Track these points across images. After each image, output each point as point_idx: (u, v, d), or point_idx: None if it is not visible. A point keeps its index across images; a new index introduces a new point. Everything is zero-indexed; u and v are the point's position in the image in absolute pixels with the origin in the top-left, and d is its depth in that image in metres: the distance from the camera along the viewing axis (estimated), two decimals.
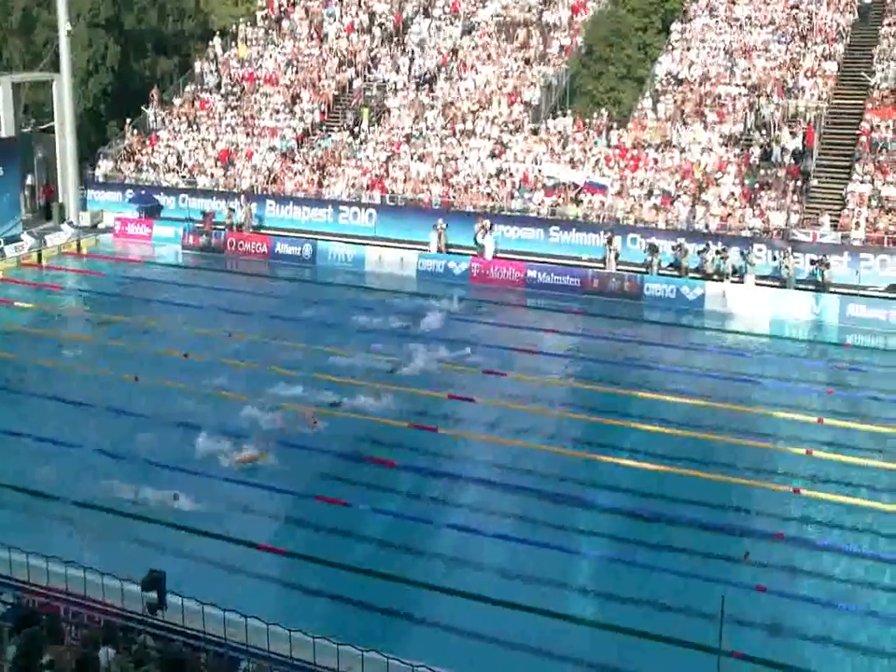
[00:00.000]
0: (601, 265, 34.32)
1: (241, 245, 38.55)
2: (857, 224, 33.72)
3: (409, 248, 36.46)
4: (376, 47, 48.84)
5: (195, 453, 19.60)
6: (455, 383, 24.09)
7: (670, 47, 43.74)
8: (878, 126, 37.29)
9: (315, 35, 49.96)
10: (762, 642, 14.24)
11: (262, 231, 39.79)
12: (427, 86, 45.47)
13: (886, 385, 24.71)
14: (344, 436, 20.81)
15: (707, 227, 35.11)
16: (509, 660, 13.72)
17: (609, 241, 34.14)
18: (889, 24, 41.78)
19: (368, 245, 37.39)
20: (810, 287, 32.31)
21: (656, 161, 38.43)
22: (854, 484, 19.44)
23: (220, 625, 12.10)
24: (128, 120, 45.72)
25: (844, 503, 18.66)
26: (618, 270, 33.74)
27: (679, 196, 36.75)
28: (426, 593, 15.22)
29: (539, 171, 38.79)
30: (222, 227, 39.54)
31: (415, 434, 21.13)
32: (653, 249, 33.47)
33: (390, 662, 11.26)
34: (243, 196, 40.63)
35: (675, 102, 40.95)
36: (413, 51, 47.82)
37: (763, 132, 38.69)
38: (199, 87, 48.36)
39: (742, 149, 38.16)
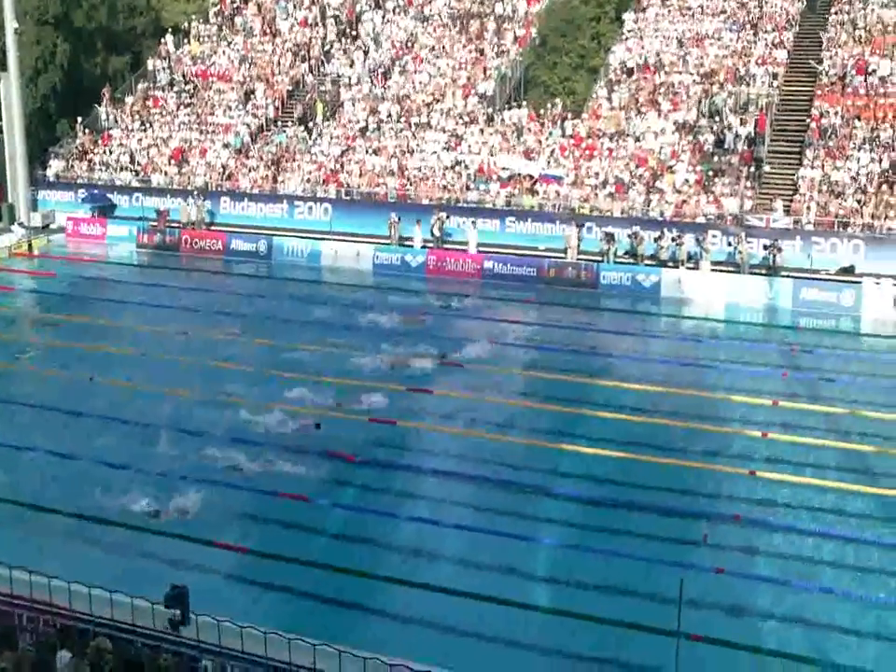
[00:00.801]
0: (562, 255, 34.41)
1: (196, 242, 38.28)
2: (808, 209, 34.07)
3: (365, 242, 36.37)
4: (330, 41, 48.62)
5: (154, 452, 19.42)
6: (413, 375, 24.04)
7: (624, 36, 43.90)
8: (827, 112, 37.66)
9: (267, 31, 49.64)
10: (720, 624, 14.33)
11: (214, 228, 39.49)
12: (381, 79, 45.34)
13: (838, 367, 25.04)
14: (304, 431, 20.70)
15: (662, 214, 35.34)
16: (471, 650, 13.71)
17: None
18: (837, 13, 42.19)
19: (324, 239, 37.22)
20: (764, 271, 32.63)
21: (611, 151, 38.58)
22: (809, 465, 19.65)
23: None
24: (79, 119, 45.24)
25: (799, 483, 18.85)
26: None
27: (633, 184, 36.93)
28: (386, 585, 15.16)
29: (495, 162, 38.81)
30: (177, 225, 39.24)
31: (374, 427, 21.06)
32: (609, 238, 33.61)
33: (342, 654, 11.25)
34: (195, 192, 40.33)
35: (629, 91, 41.12)
36: (366, 45, 47.66)
37: (716, 119, 38.96)
38: (151, 84, 47.92)
39: (695, 137, 38.39)
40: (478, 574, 15.55)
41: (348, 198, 39.55)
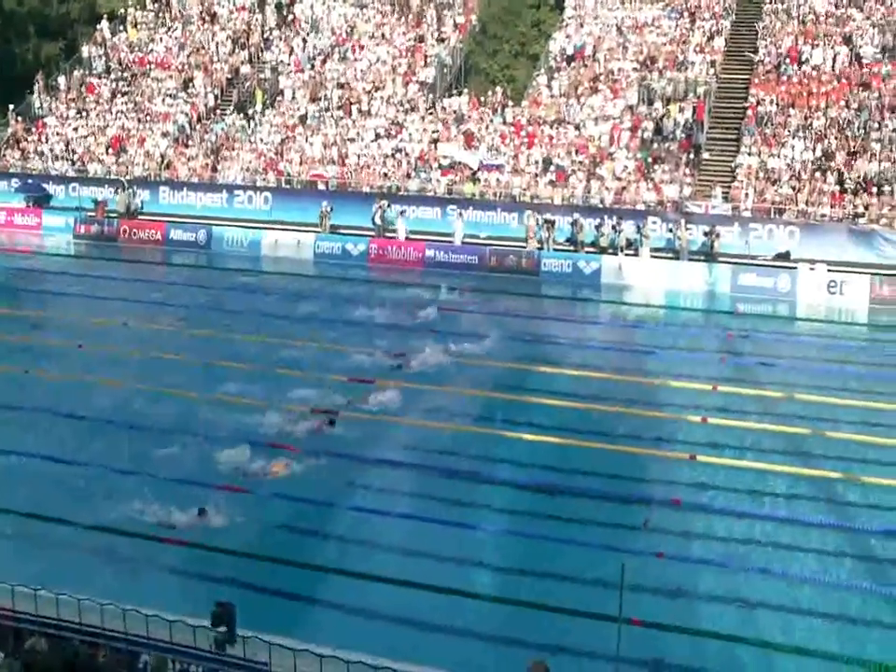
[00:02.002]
0: (523, 244, 34.53)
1: (134, 232, 37.83)
2: (746, 195, 34.49)
3: (306, 231, 36.19)
4: (269, 28, 48.20)
5: (92, 443, 19.15)
6: (356, 365, 23.93)
7: (564, 23, 44.02)
8: (763, 100, 38.10)
9: (206, 18, 49.05)
10: (661, 608, 14.42)
11: (141, 217, 38.98)
12: (321, 67, 45.05)
13: (776, 351, 25.40)
14: (246, 423, 20.52)
15: (602, 201, 35.55)
16: (414, 639, 13.67)
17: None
18: (772, 2, 42.69)
19: (264, 228, 36.95)
20: (703, 257, 33.00)
21: (551, 138, 38.71)
22: (748, 448, 19.90)
23: (120, 620, 11.86)
24: (11, 107, 44.38)
25: (738, 467, 19.06)
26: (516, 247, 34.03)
27: (573, 172, 37.09)
28: (330, 576, 15.08)
29: (436, 150, 38.76)
30: (115, 215, 38.72)
31: (317, 418, 20.92)
32: (549, 225, 33.76)
33: (272, 645, 11.16)
34: (123, 181, 39.76)
35: (569, 78, 41.25)
36: (306, 32, 47.31)
37: (655, 106, 39.24)
38: (87, 72, 47.19)
39: (635, 124, 38.64)
40: (420, 563, 15.51)
41: (288, 186, 39.28)
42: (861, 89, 38.15)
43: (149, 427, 19.90)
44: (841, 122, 37.08)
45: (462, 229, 35.16)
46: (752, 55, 40.68)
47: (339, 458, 18.93)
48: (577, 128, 39.02)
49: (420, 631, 13.74)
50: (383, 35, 46.13)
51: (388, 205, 36.25)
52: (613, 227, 33.79)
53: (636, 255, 33.14)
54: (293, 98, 44.07)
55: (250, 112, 43.76)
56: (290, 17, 48.50)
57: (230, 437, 19.40)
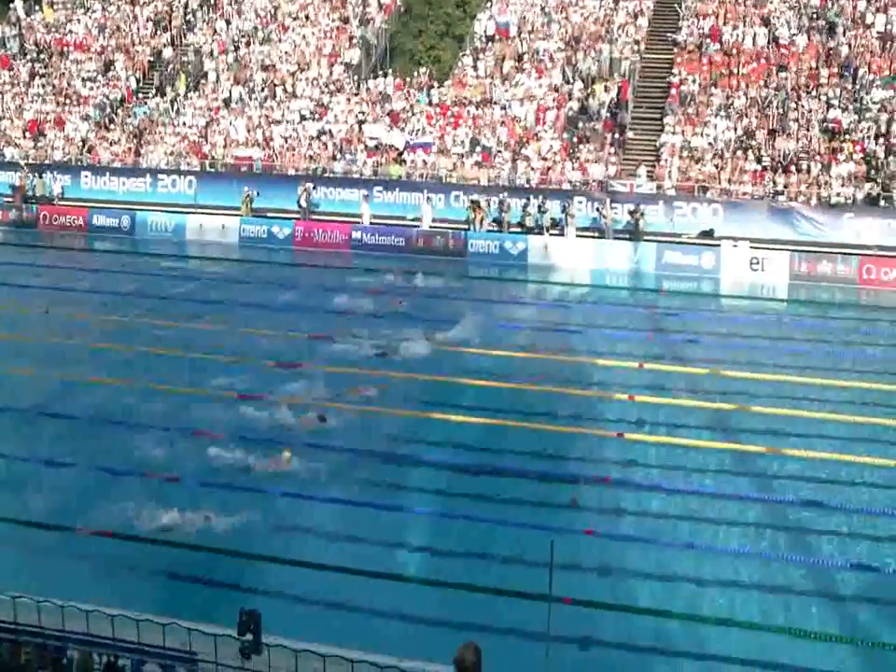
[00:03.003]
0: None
1: (55, 218, 37.08)
2: (669, 174, 34.85)
3: (232, 215, 35.81)
4: (191, 10, 47.43)
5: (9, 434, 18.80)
6: (281, 350, 23.75)
7: (488, 3, 43.95)
8: (686, 80, 38.47)
9: None
10: (591, 585, 14.54)
11: (63, 203, 38.23)
12: (245, 49, 44.49)
13: (701, 328, 25.76)
14: (170, 410, 20.27)
15: (528, 181, 35.65)
16: (344, 623, 13.62)
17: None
18: None
19: (189, 213, 36.49)
20: (628, 236, 33.30)
21: (477, 118, 38.69)
22: (675, 425, 20.11)
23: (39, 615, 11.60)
24: None
25: (666, 443, 19.28)
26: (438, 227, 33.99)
27: (499, 152, 37.13)
28: (259, 564, 14.96)
29: (361, 131, 38.56)
30: (34, 200, 37.92)
31: (242, 403, 20.73)
32: (476, 206, 33.79)
33: (192, 632, 11.02)
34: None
35: (494, 58, 41.24)
36: (229, 14, 46.65)
37: (580, 86, 39.41)
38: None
39: (560, 104, 38.78)
40: (349, 547, 15.46)
41: (213, 170, 38.79)
42: (778, 69, 38.73)
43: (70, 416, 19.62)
44: (761, 102, 37.61)
45: (431, 213, 35.05)
46: (675, 35, 41.03)
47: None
48: (503, 108, 39.04)
49: (348, 614, 13.70)
50: (307, 17, 45.66)
51: (314, 188, 35.99)
52: (539, 207, 33.91)
53: (562, 235, 33.33)
54: (217, 81, 43.47)
55: (173, 95, 43.02)
56: None
57: (152, 425, 19.23)
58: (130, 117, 42.34)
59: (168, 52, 45.36)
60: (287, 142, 39.48)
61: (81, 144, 41.08)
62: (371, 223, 34.49)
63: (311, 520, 16.31)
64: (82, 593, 12.29)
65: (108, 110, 42.68)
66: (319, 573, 14.55)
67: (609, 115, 38.21)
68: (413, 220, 35.06)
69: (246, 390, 21.21)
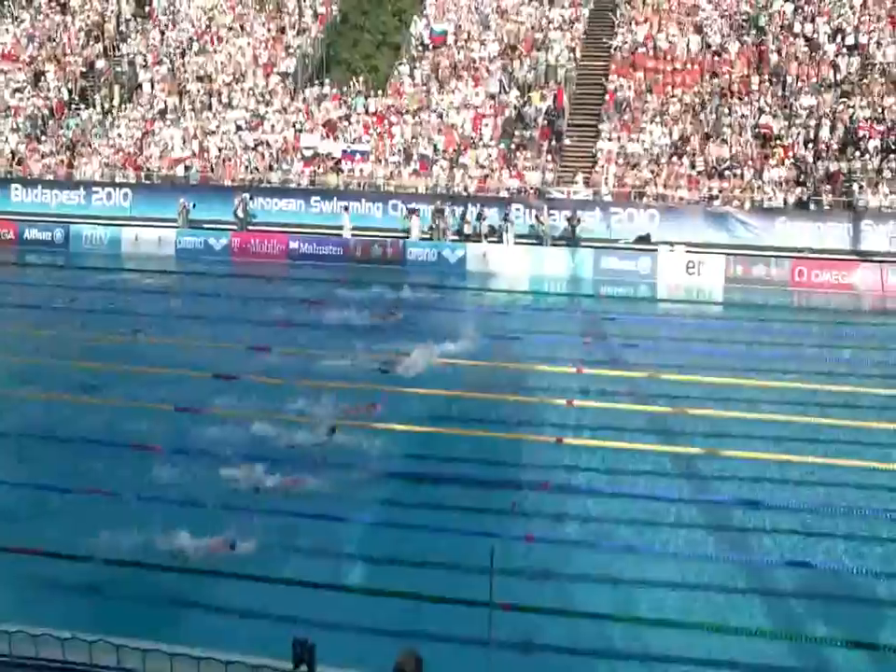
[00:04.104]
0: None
1: None
2: (606, 180, 35.17)
3: (168, 227, 35.46)
4: (125, 19, 46.93)
5: None
6: (218, 362, 23.49)
7: (424, 11, 44.04)
8: (622, 86, 38.85)
9: (57, 7, 47.46)
10: (532, 591, 14.52)
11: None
12: (180, 59, 44.12)
13: (638, 332, 25.95)
14: (108, 423, 19.94)
15: (465, 189, 35.75)
16: (277, 633, 13.44)
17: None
18: None
19: (124, 225, 36.08)
20: (566, 242, 33.53)
21: (414, 127, 38.72)
22: (612, 429, 20.18)
23: None
24: None
25: (604, 447, 19.33)
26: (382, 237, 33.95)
27: (437, 160, 37.18)
28: (196, 578, 14.72)
29: (298, 141, 38.43)
30: None
31: (180, 416, 20.46)
32: (414, 214, 33.81)
33: (92, 644, 10.75)
34: None
35: (430, 66, 41.33)
36: (163, 24, 46.24)
37: (517, 94, 39.62)
38: None
39: (497, 112, 38.96)
40: (290, 557, 15.30)
41: (149, 182, 38.39)
42: (711, 75, 39.26)
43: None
44: (695, 108, 38.09)
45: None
46: (610, 42, 41.42)
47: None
48: (440, 116, 39.10)
49: (288, 626, 13.53)
50: (242, 27, 45.41)
51: (251, 198, 35.78)
52: (479, 215, 34.02)
53: (500, 242, 33.46)
54: (152, 92, 43.04)
55: (107, 107, 42.50)
56: (147, 8, 47.30)
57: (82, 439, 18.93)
58: (62, 129, 41.72)
59: (101, 63, 44.80)
60: (223, 153, 39.18)
61: (11, 156, 40.39)
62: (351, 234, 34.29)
63: (249, 531, 16.09)
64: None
65: (39, 122, 42.02)
66: (255, 584, 14.37)
67: (545, 122, 38.46)
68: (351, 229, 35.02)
69: (184, 402, 20.95)
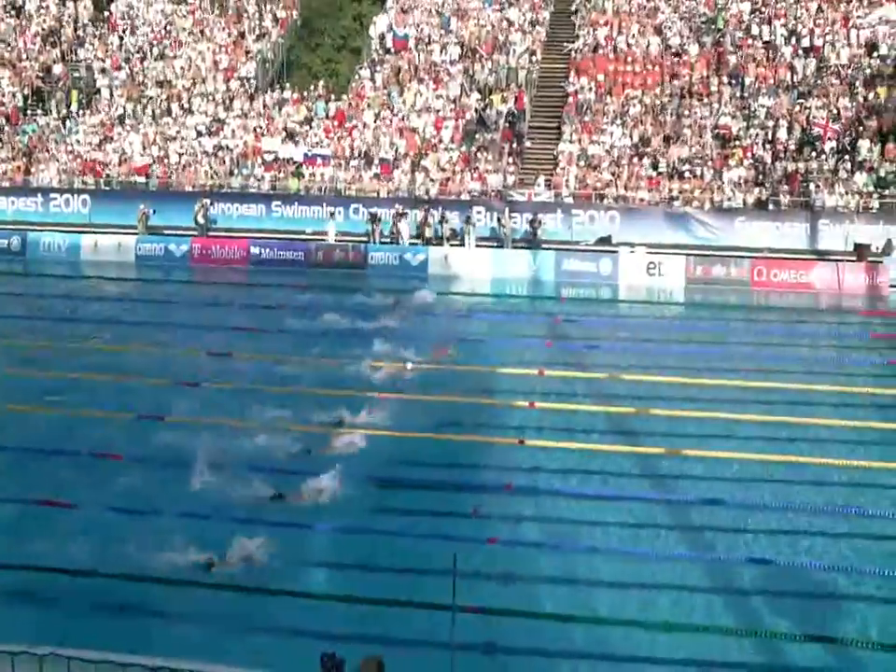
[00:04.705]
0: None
1: None
2: (567, 183, 35.31)
3: (128, 233, 35.21)
4: (82, 24, 46.54)
5: None
6: (180, 368, 23.33)
7: (385, 14, 44.03)
8: (582, 88, 39.01)
9: (12, 11, 46.95)
10: (495, 593, 14.51)
11: None
12: (139, 64, 43.81)
13: (599, 334, 26.04)
14: (67, 433, 19.75)
15: (427, 193, 35.75)
16: (242, 642, 13.38)
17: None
18: None
19: (83, 232, 35.77)
20: (527, 245, 33.62)
21: (375, 131, 38.68)
22: (575, 430, 20.24)
23: None
24: None
25: (566, 449, 19.35)
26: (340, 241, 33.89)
27: (398, 164, 37.17)
28: (147, 584, 14.56)
29: (258, 146, 38.29)
30: None
31: (142, 424, 20.29)
32: (375, 218, 33.79)
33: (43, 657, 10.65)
34: None
35: (391, 70, 41.32)
36: (122, 29, 45.90)
37: (478, 96, 39.69)
38: None
39: (458, 115, 39.01)
40: (253, 566, 15.19)
41: (108, 188, 38.09)
42: (671, 77, 39.52)
43: None
44: (655, 109, 38.31)
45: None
46: (570, 44, 41.59)
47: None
48: (401, 120, 39.10)
49: (249, 633, 13.47)
50: (202, 32, 45.17)
51: (211, 203, 35.62)
52: (440, 218, 34.04)
53: (462, 245, 33.50)
54: (110, 97, 42.70)
55: (64, 112, 42.12)
56: (105, 13, 46.92)
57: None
58: (18, 134, 41.29)
59: (58, 69, 44.39)
60: (183, 158, 38.94)
61: None
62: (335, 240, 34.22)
63: (208, 538, 15.97)
64: None
65: None
66: (216, 592, 14.26)
67: (506, 125, 38.54)
68: (312, 234, 34.90)
69: (147, 410, 20.79)
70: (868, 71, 38.90)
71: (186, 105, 41.61)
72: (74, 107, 42.58)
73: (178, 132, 40.40)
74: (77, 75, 44.27)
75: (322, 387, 22.58)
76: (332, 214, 35.20)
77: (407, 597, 14.06)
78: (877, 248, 33.77)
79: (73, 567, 14.44)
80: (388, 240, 34.32)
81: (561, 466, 18.74)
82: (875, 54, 39.57)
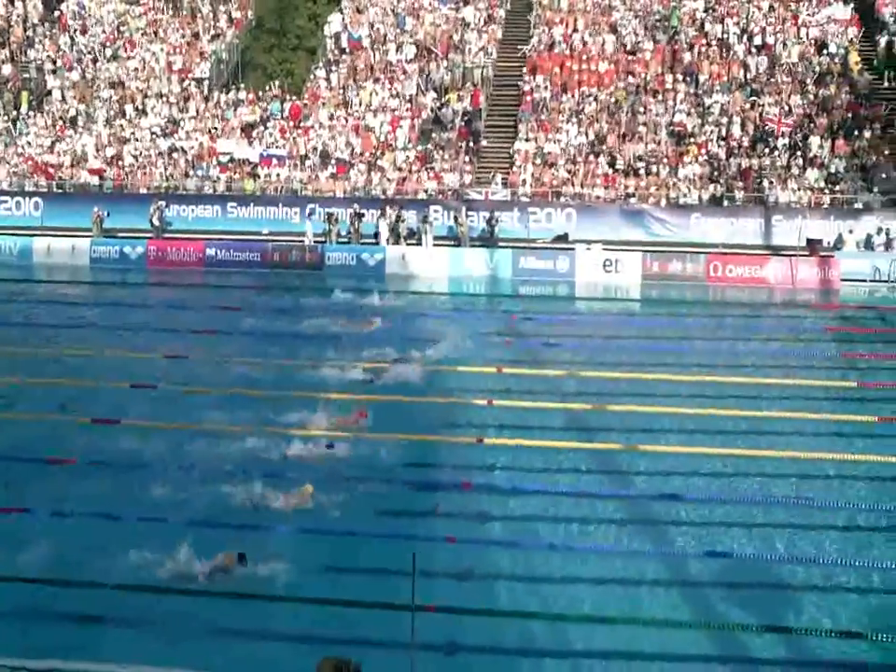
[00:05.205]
0: (322, 239, 34.24)
1: None
2: (524, 181, 35.40)
3: (82, 236, 34.84)
4: (32, 24, 45.99)
5: None
6: (135, 371, 23.11)
7: (341, 14, 43.92)
8: (538, 87, 39.12)
9: None
10: (455, 591, 14.50)
11: None
12: (92, 65, 43.38)
13: (557, 331, 26.11)
14: (19, 437, 19.50)
15: (384, 192, 35.70)
16: (201, 645, 13.28)
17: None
18: None
19: (35, 235, 35.34)
20: (484, 243, 33.69)
21: (331, 130, 38.57)
22: (533, 427, 20.28)
23: None
24: None
25: (525, 446, 19.39)
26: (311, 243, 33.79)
27: (354, 164, 37.09)
28: (91, 590, 14.38)
29: (214, 147, 38.05)
30: None
31: (97, 429, 20.07)
32: (332, 218, 33.70)
33: None
34: None
35: (347, 70, 41.23)
36: (73, 29, 45.43)
37: (434, 95, 39.69)
38: None
39: (414, 114, 38.97)
40: (203, 567, 15.05)
41: (60, 191, 37.66)
42: (626, 75, 39.73)
43: None
44: (611, 107, 38.49)
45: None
46: (526, 43, 41.69)
47: None
48: (357, 119, 39.00)
49: (208, 636, 13.38)
50: (155, 33, 44.80)
51: (166, 205, 35.35)
52: (397, 217, 34.01)
53: (419, 244, 33.49)
54: (62, 98, 42.23)
55: (14, 114, 41.59)
56: (56, 13, 46.40)
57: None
58: None
59: (7, 69, 43.83)
60: (137, 160, 38.61)
61: None
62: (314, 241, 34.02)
63: (157, 542, 15.83)
64: None
65: None
66: (169, 596, 14.13)
67: (462, 123, 38.55)
68: (268, 234, 34.75)
69: (101, 414, 20.57)
70: (818, 69, 39.36)
71: (140, 107, 41.25)
72: (24, 109, 42.06)
73: (133, 133, 40.03)
74: (27, 75, 43.76)
75: (279, 389, 22.47)
76: (310, 214, 35.00)
77: (367, 597, 14.05)
78: (829, 243, 34.21)
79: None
80: (346, 240, 34.22)
81: (519, 463, 18.76)
82: (825, 52, 40.05)
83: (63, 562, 15.18)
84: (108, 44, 44.52)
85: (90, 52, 44.13)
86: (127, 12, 45.85)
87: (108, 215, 35.14)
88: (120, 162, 38.69)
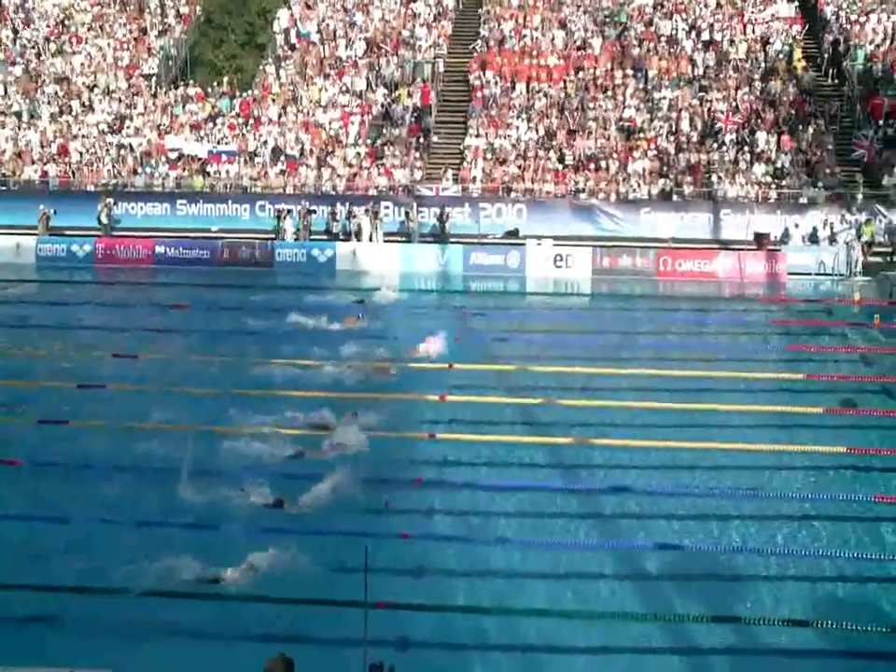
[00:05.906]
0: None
1: None
2: (474, 177, 35.47)
3: (28, 234, 34.35)
4: None
5: None
6: (83, 371, 22.85)
7: (289, 9, 43.70)
8: (488, 83, 39.19)
9: None
10: (407, 588, 14.50)
11: None
12: (35, 60, 42.76)
13: (508, 326, 26.18)
14: None
15: (334, 188, 35.60)
16: (152, 645, 13.18)
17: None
18: None
19: None
20: (435, 239, 33.73)
21: (281, 126, 38.39)
22: (485, 423, 20.32)
23: None
24: None
25: (477, 441, 19.41)
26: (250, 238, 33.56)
27: (304, 160, 36.94)
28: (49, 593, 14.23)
29: (162, 144, 37.71)
30: None
31: (44, 429, 19.83)
32: (282, 215, 33.55)
33: None
34: None
35: (296, 65, 41.03)
36: (16, 22, 44.76)
37: (384, 91, 39.61)
38: None
39: (364, 110, 38.89)
40: (151, 566, 14.93)
41: (4, 188, 37.11)
42: (576, 70, 39.92)
43: None
44: (561, 102, 38.66)
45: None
46: (476, 39, 41.75)
47: None
48: (306, 115, 38.83)
49: (159, 636, 13.27)
50: (102, 28, 44.28)
51: (114, 203, 34.96)
52: (348, 213, 33.95)
53: (369, 240, 33.44)
54: (5, 94, 41.62)
55: None
56: None
57: None
58: None
59: None
60: (84, 157, 38.14)
61: None
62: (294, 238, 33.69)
63: (110, 544, 15.67)
64: None
65: None
66: (106, 597, 13.99)
67: (413, 119, 38.53)
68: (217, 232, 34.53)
69: (47, 415, 20.31)
70: (764, 65, 39.84)
71: (86, 103, 40.76)
72: None
73: (79, 129, 39.55)
74: None
75: (233, 387, 22.32)
76: (289, 211, 34.65)
77: (318, 595, 14.01)
78: (776, 237, 34.62)
79: None
80: (296, 237, 34.04)
81: (471, 458, 18.79)
82: (770, 49, 40.53)
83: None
84: (53, 38, 43.94)
85: (33, 46, 43.53)
86: (72, 6, 45.28)
87: (55, 213, 34.66)
88: (67, 159, 38.21)
